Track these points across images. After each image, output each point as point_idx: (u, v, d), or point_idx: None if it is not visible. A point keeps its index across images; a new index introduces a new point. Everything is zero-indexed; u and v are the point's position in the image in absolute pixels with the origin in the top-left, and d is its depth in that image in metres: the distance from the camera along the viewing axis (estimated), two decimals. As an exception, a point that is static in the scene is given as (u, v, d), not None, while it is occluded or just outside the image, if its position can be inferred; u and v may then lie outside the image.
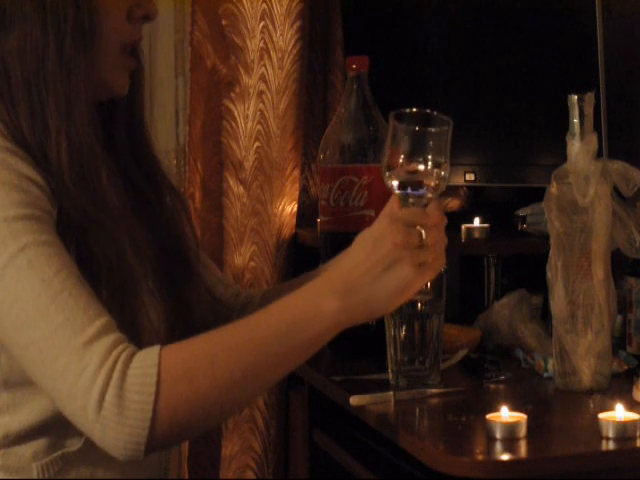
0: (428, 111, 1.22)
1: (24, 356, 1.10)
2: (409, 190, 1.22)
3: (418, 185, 1.22)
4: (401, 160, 1.21)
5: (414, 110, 1.22)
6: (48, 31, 1.17)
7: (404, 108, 1.22)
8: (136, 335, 1.15)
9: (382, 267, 1.15)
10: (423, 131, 1.21)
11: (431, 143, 1.21)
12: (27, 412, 1.18)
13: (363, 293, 1.15)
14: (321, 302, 1.14)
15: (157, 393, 1.06)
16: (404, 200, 1.22)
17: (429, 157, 1.21)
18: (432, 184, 1.22)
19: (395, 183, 1.23)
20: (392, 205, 1.22)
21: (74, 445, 1.19)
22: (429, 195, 1.22)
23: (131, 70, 1.28)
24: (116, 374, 1.06)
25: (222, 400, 1.11)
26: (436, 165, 1.21)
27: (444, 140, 1.21)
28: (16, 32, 1.18)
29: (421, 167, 1.21)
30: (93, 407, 1.05)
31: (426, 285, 1.26)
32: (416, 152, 1.21)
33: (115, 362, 1.06)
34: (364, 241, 1.18)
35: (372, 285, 1.15)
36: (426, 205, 1.22)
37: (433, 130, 1.21)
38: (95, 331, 1.07)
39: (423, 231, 1.17)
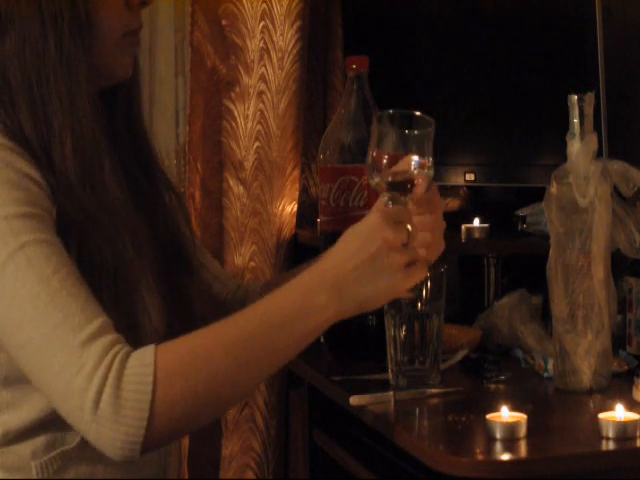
0: (411, 112, 1.23)
1: (21, 354, 1.10)
2: (395, 190, 1.23)
3: (404, 185, 1.22)
4: (385, 161, 1.22)
5: (397, 111, 1.23)
6: (46, 29, 1.17)
7: (387, 109, 1.23)
8: (136, 333, 1.16)
9: (372, 266, 1.15)
10: (406, 132, 1.22)
11: (415, 144, 1.22)
12: (27, 409, 1.18)
13: (352, 290, 1.15)
14: (312, 298, 1.14)
15: (154, 392, 1.06)
16: (392, 200, 1.23)
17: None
18: (417, 183, 1.22)
19: (381, 183, 1.23)
20: (383, 201, 1.24)
21: (73, 441, 1.18)
22: (414, 193, 1.23)
23: (134, 50, 1.28)
24: (112, 373, 1.06)
25: (218, 395, 1.11)
26: (420, 165, 1.22)
27: (427, 140, 1.22)
28: (14, 34, 1.17)
29: (405, 167, 1.22)
30: (89, 407, 1.05)
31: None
32: (400, 152, 1.22)
33: (112, 362, 1.06)
34: (354, 236, 1.18)
35: (361, 284, 1.15)
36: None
37: (416, 131, 1.22)
38: (93, 331, 1.07)
39: (409, 227, 1.17)
